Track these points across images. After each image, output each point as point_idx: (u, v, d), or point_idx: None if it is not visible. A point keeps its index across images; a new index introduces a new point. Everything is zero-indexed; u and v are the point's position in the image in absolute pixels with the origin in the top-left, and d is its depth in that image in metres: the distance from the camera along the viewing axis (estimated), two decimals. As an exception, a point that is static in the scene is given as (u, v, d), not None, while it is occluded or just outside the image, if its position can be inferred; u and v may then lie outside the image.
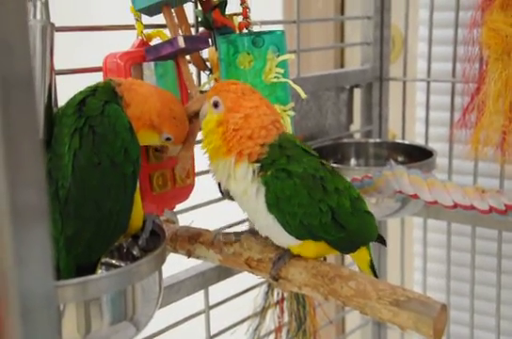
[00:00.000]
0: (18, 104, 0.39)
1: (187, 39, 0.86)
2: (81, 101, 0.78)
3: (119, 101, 0.80)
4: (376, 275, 0.91)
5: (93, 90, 0.80)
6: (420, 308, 0.77)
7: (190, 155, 0.93)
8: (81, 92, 0.80)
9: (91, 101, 0.78)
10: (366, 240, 0.89)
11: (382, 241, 0.93)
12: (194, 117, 0.89)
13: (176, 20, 0.93)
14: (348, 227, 0.83)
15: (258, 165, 0.79)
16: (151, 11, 0.89)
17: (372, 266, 0.91)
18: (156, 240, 0.84)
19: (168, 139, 0.86)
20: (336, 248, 0.85)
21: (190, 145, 0.92)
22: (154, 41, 0.93)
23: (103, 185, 0.76)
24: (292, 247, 0.85)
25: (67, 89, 0.83)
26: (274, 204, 0.79)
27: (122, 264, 0.89)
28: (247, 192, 0.81)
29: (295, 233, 0.82)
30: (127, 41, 0.93)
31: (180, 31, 0.93)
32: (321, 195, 0.80)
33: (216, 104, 0.81)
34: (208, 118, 0.82)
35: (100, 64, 0.90)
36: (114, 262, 0.90)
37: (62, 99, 0.82)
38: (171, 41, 0.87)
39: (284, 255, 0.86)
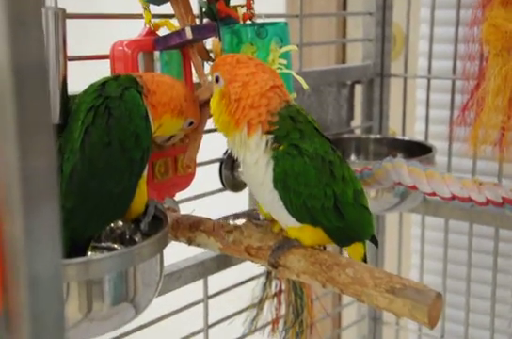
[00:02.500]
0: (31, 88, 0.40)
1: (195, 29, 0.88)
2: (103, 83, 0.81)
3: (140, 89, 0.83)
4: None
5: (116, 76, 0.83)
6: (415, 296, 0.78)
7: (198, 145, 0.94)
8: (105, 77, 0.83)
9: (112, 83, 0.81)
10: (361, 236, 0.89)
11: (375, 242, 0.94)
12: (203, 105, 0.91)
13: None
14: (348, 217, 0.84)
15: (271, 136, 0.80)
16: (159, 1, 0.91)
17: (364, 260, 0.92)
18: (159, 226, 0.85)
19: (190, 124, 0.90)
20: (332, 237, 0.86)
21: (199, 134, 0.94)
22: (161, 31, 0.94)
23: (109, 167, 0.78)
24: (290, 229, 0.86)
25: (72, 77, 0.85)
26: (281, 180, 0.80)
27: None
28: (258, 163, 0.81)
29: (295, 213, 0.82)
30: (134, 31, 0.94)
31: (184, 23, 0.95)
32: (328, 179, 0.81)
33: (217, 80, 0.82)
34: (214, 94, 0.84)
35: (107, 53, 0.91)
36: (116, 246, 0.91)
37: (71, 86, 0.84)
38: (179, 32, 0.89)
39: (284, 244, 0.87)
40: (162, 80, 0.86)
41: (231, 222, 0.92)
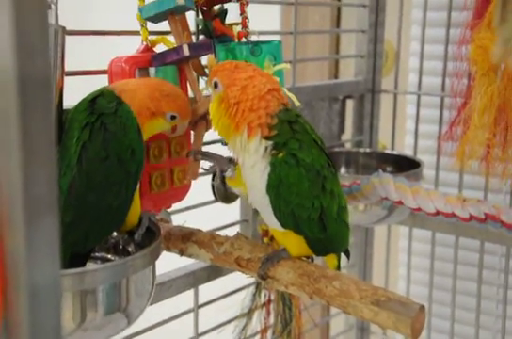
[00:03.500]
0: (35, 102, 0.42)
1: (192, 46, 0.91)
2: (92, 100, 0.83)
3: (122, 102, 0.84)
4: None
5: (100, 92, 0.84)
6: (399, 308, 0.80)
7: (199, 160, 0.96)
8: (90, 94, 0.85)
9: (101, 100, 0.83)
10: (337, 249, 0.93)
11: (347, 254, 0.97)
12: (199, 120, 0.93)
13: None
14: (329, 230, 0.86)
15: (271, 142, 0.82)
16: (156, 19, 0.93)
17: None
18: (151, 237, 0.87)
19: (173, 118, 0.88)
20: (311, 246, 0.89)
21: (197, 148, 0.96)
22: (158, 47, 0.97)
23: (106, 180, 0.80)
24: (275, 231, 0.90)
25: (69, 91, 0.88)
26: (274, 186, 0.82)
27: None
28: (255, 166, 0.83)
29: (282, 219, 0.85)
30: (131, 46, 0.97)
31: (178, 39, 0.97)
32: (318, 192, 0.83)
33: (215, 85, 0.84)
34: (212, 99, 0.85)
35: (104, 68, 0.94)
36: (110, 257, 0.93)
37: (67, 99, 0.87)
38: (177, 49, 0.91)
39: (273, 256, 0.90)
40: (127, 89, 0.86)
41: (200, 157, 0.94)
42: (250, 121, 0.82)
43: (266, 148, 0.82)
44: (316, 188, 0.83)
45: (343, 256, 0.96)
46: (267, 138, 0.82)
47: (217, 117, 0.84)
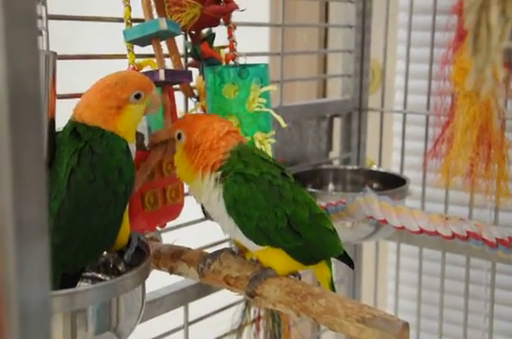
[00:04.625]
0: (25, 127, 0.43)
1: (169, 72, 0.93)
2: (73, 130, 0.83)
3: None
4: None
5: (74, 126, 0.84)
6: (384, 325, 0.82)
7: (143, 178, 0.95)
8: (67, 128, 0.85)
9: (83, 128, 0.83)
10: (326, 254, 0.93)
11: (350, 263, 0.97)
12: (158, 145, 0.94)
13: (167, 50, 1.00)
14: (306, 237, 0.88)
15: (220, 172, 0.86)
16: (141, 42, 0.95)
17: (332, 285, 0.96)
18: (141, 257, 0.89)
19: (138, 97, 0.85)
20: (294, 257, 0.90)
21: (147, 167, 0.95)
22: (145, 70, 0.99)
23: (94, 201, 0.82)
24: (257, 252, 0.91)
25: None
26: (232, 206, 0.85)
27: (108, 278, 0.94)
28: (210, 200, 0.88)
29: (251, 236, 0.87)
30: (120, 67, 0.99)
31: (171, 62, 0.99)
32: (277, 201, 0.86)
33: (179, 136, 0.90)
34: (177, 150, 0.91)
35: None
36: (100, 276, 0.95)
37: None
38: (153, 73, 0.93)
39: (260, 274, 0.91)
40: (80, 109, 0.85)
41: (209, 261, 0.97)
42: (209, 160, 0.87)
43: (216, 179, 0.86)
44: (274, 198, 0.86)
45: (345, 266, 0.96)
46: (217, 170, 0.87)
47: (180, 164, 0.90)
